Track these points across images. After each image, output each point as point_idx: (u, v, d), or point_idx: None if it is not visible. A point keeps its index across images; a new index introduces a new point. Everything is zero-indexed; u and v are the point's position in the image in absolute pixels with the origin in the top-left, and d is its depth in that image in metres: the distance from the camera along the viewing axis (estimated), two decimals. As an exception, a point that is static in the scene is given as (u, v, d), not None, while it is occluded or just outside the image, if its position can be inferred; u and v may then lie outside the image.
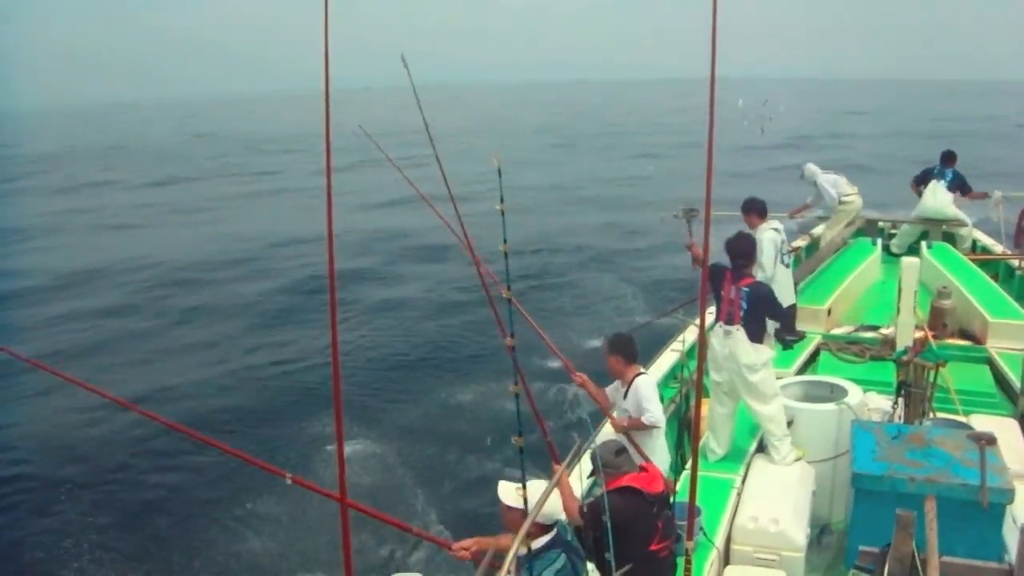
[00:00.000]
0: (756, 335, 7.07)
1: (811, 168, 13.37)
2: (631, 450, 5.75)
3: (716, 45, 3.27)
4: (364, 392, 13.51)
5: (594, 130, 74.01)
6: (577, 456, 5.64)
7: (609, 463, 4.95)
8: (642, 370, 6.59)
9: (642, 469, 5.11)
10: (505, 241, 4.48)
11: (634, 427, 6.36)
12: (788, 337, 9.56)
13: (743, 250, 7.43)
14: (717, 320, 7.31)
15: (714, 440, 7.42)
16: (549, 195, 34.55)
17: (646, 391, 6.35)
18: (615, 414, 6.56)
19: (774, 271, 9.36)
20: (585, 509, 4.87)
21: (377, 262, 23.72)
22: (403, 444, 11.61)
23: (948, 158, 13.75)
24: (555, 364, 13.74)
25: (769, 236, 9.37)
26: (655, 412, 6.30)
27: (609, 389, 6.74)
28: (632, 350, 6.56)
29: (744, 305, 7.07)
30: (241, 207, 36.25)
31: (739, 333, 7.02)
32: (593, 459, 5.00)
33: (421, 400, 13.24)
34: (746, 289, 7.11)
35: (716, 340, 7.22)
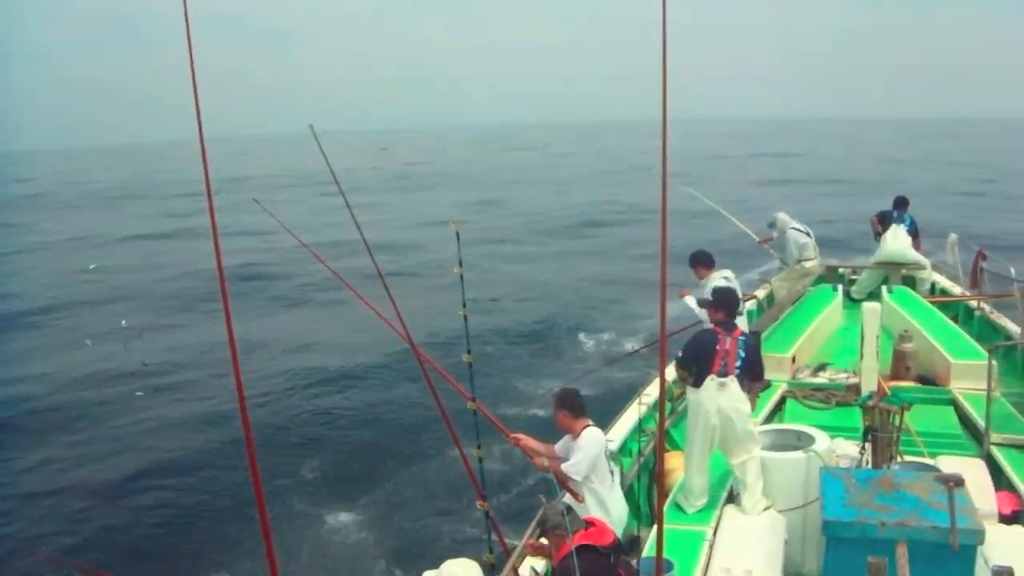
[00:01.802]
0: (745, 384, 7.13)
1: (782, 218, 13.63)
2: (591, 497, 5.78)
3: (667, 84, 3.29)
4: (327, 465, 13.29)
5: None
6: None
7: (558, 524, 4.97)
8: (590, 423, 6.62)
9: (589, 524, 5.14)
10: (464, 305, 4.50)
11: (561, 476, 6.42)
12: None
13: (732, 302, 7.78)
14: (706, 375, 7.19)
15: (695, 493, 7.36)
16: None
17: (581, 441, 6.45)
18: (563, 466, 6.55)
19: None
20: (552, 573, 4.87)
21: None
22: (371, 515, 11.41)
23: (902, 203, 14.01)
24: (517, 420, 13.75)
25: (718, 285, 9.54)
26: (576, 464, 6.36)
27: (560, 444, 6.78)
28: (578, 403, 6.64)
29: (742, 354, 7.14)
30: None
31: (734, 384, 7.05)
32: (543, 522, 5.01)
33: (381, 469, 13.04)
34: (741, 338, 7.23)
35: (707, 394, 7.11)
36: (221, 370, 17.11)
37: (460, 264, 4.49)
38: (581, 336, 19.63)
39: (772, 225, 13.78)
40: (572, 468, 6.39)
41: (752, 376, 7.24)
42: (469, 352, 4.19)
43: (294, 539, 10.49)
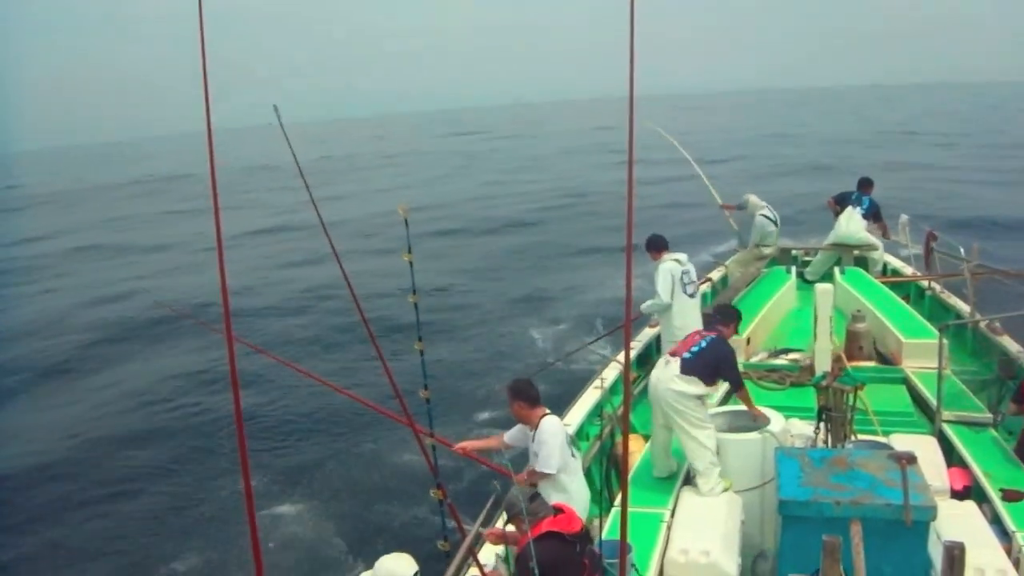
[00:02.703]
0: (696, 372, 7.16)
1: (753, 201, 13.72)
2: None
3: (634, 66, 3.26)
4: (281, 452, 13.18)
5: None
6: (497, 507, 5.62)
7: (529, 510, 4.93)
8: (547, 411, 6.63)
9: (557, 511, 5.12)
10: (415, 292, 4.45)
11: (534, 478, 6.43)
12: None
13: (724, 312, 8.13)
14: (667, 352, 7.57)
15: (659, 463, 7.58)
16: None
17: (543, 435, 6.45)
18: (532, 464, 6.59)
19: (670, 300, 9.85)
20: (513, 562, 4.85)
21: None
22: (326, 502, 11.35)
23: (865, 184, 14.10)
24: (474, 411, 13.70)
25: (666, 266, 9.83)
26: (548, 459, 6.39)
27: (514, 431, 6.78)
28: (533, 393, 6.64)
29: (702, 345, 7.32)
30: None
31: (675, 364, 7.17)
32: (509, 508, 4.99)
33: (335, 456, 12.93)
34: (711, 336, 7.47)
35: (656, 370, 7.46)
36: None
37: (409, 250, 4.43)
38: (533, 327, 19.62)
39: (742, 207, 13.87)
40: (544, 465, 6.41)
41: (713, 378, 7.34)
42: (420, 340, 4.16)
43: (237, 528, 10.39)
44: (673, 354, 7.36)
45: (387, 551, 4.77)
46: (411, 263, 4.43)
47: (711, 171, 17.04)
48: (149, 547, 10.65)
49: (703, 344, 7.33)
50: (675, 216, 25.95)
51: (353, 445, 13.07)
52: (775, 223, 13.65)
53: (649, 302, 10.06)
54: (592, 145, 70.62)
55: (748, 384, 9.64)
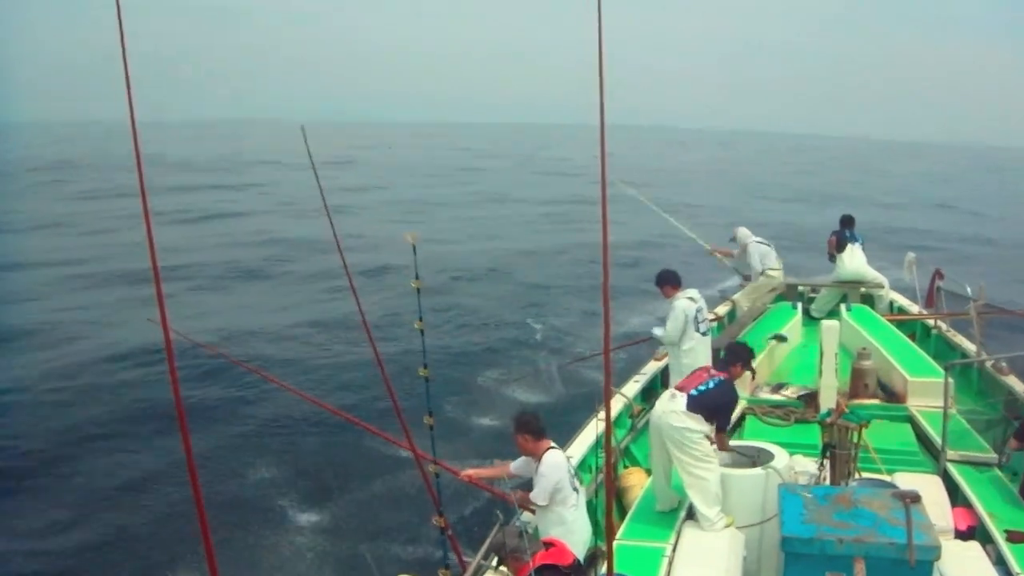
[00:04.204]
0: (699, 411, 7.10)
1: (743, 232, 13.78)
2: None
3: (604, 93, 3.28)
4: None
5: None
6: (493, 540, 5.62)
7: (516, 548, 4.95)
8: (552, 444, 6.68)
9: (548, 545, 5.12)
10: (421, 319, 4.46)
11: (527, 504, 6.48)
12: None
13: (737, 351, 7.95)
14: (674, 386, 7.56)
15: (659, 496, 7.55)
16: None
17: (544, 468, 6.51)
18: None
19: (681, 337, 9.76)
20: None
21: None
22: (325, 529, 11.22)
23: (849, 221, 14.19)
24: (475, 437, 13.63)
25: (682, 304, 9.77)
26: (540, 492, 6.45)
27: (520, 461, 6.84)
28: (537, 426, 6.70)
29: (709, 385, 7.24)
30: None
31: (680, 399, 7.11)
32: (499, 548, 5.00)
33: (335, 480, 12.85)
34: (719, 378, 7.36)
35: (661, 402, 7.39)
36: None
37: (417, 277, 4.44)
38: (534, 339, 19.60)
39: (733, 240, 13.90)
40: (535, 496, 6.48)
41: (712, 419, 7.20)
42: (426, 367, 4.16)
43: (240, 552, 10.29)
44: (680, 389, 7.30)
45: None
46: (419, 290, 4.44)
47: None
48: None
49: (711, 385, 7.25)
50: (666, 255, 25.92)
51: (353, 468, 13.00)
52: (769, 246, 13.70)
53: (660, 332, 10.04)
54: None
55: (752, 420, 9.64)
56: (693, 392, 7.15)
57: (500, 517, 4.97)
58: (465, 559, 4.55)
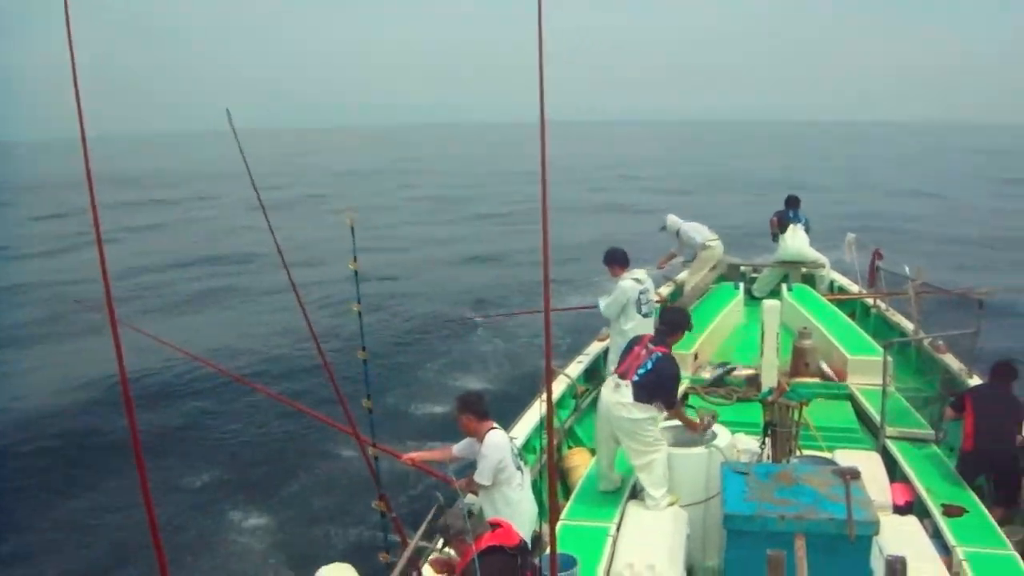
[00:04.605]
0: (645, 399, 7.03)
1: (672, 219, 13.70)
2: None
3: (544, 88, 3.23)
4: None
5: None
6: (438, 517, 5.57)
7: (461, 530, 4.92)
8: (495, 425, 6.65)
9: (495, 526, 5.10)
10: (359, 301, 4.38)
11: (471, 486, 6.48)
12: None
13: (673, 320, 7.72)
14: (615, 371, 7.42)
15: (602, 477, 7.49)
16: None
17: (486, 449, 6.48)
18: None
19: (623, 318, 9.76)
20: None
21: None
22: (267, 512, 11.12)
23: (794, 202, 14.27)
24: (417, 422, 13.58)
25: (625, 285, 9.72)
26: (483, 471, 6.42)
27: (463, 444, 6.79)
28: (482, 407, 6.67)
29: (648, 366, 7.12)
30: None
31: (627, 389, 7.04)
32: (445, 529, 4.97)
33: (276, 465, 12.71)
34: (658, 354, 7.19)
35: (604, 390, 7.35)
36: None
37: (355, 259, 4.35)
38: (474, 324, 19.56)
39: (663, 229, 13.79)
40: (478, 476, 6.46)
41: (657, 398, 7.08)
42: (364, 348, 4.08)
43: (184, 544, 10.12)
44: (622, 376, 7.17)
45: (328, 562, 4.67)
46: (356, 272, 4.35)
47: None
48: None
49: (649, 365, 7.13)
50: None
51: (294, 454, 12.87)
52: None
53: (603, 304, 9.99)
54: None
55: (695, 399, 9.67)
56: (635, 378, 7.06)
57: (440, 499, 4.91)
58: (408, 539, 4.50)
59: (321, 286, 22.04)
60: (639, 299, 9.71)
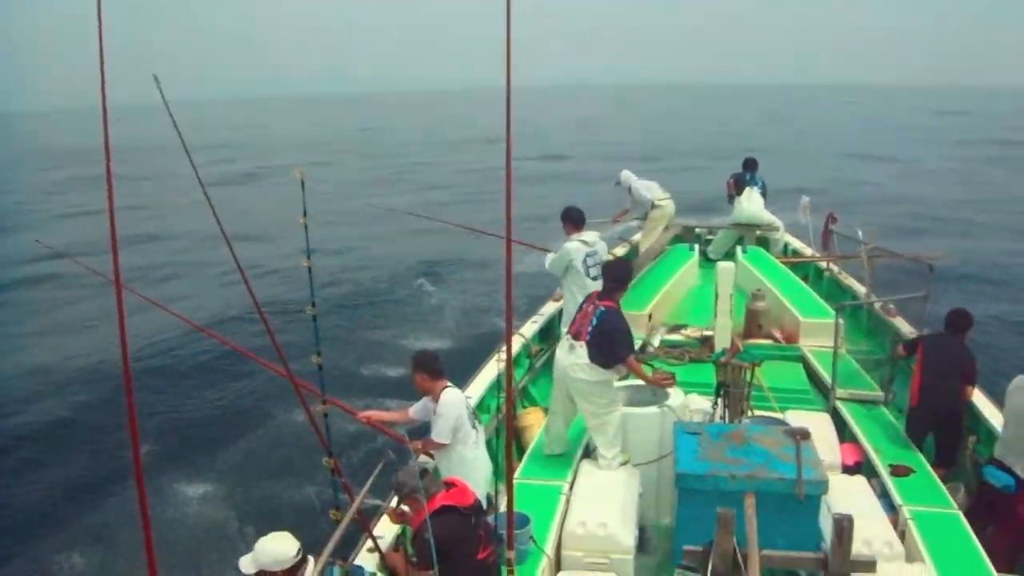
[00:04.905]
0: (599, 358, 7.00)
1: (626, 174, 13.66)
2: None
3: (511, 57, 3.19)
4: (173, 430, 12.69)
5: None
6: (386, 473, 5.56)
7: (416, 488, 4.91)
8: (449, 384, 6.62)
9: (449, 485, 5.10)
10: (308, 256, 4.31)
11: (429, 448, 6.44)
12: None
13: (617, 274, 7.62)
14: (568, 331, 7.38)
15: (552, 439, 7.50)
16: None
17: (441, 407, 6.47)
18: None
19: (572, 280, 9.68)
20: (411, 540, 4.81)
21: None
22: (216, 475, 11.04)
23: (751, 164, 14.30)
24: (367, 380, 13.52)
25: (571, 246, 9.60)
26: (440, 430, 6.42)
27: (419, 405, 6.77)
28: (436, 365, 6.66)
29: (594, 322, 7.08)
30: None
31: (581, 349, 7.02)
32: (399, 487, 4.95)
33: (226, 423, 12.60)
34: (602, 308, 7.13)
35: (560, 351, 7.30)
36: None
37: (305, 214, 4.25)
38: (428, 288, 19.52)
39: (618, 184, 13.74)
40: (436, 435, 6.44)
41: (606, 353, 7.03)
42: (313, 304, 4.02)
43: (129, 514, 9.97)
44: (576, 336, 7.14)
45: (278, 526, 4.62)
46: (306, 226, 4.26)
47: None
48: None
49: (595, 322, 7.07)
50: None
51: (244, 411, 12.77)
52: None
53: (547, 261, 9.93)
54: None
55: (656, 361, 9.70)
56: (588, 338, 7.04)
57: (391, 454, 4.89)
58: (357, 498, 4.47)
59: (269, 246, 21.86)
60: (586, 261, 9.60)
